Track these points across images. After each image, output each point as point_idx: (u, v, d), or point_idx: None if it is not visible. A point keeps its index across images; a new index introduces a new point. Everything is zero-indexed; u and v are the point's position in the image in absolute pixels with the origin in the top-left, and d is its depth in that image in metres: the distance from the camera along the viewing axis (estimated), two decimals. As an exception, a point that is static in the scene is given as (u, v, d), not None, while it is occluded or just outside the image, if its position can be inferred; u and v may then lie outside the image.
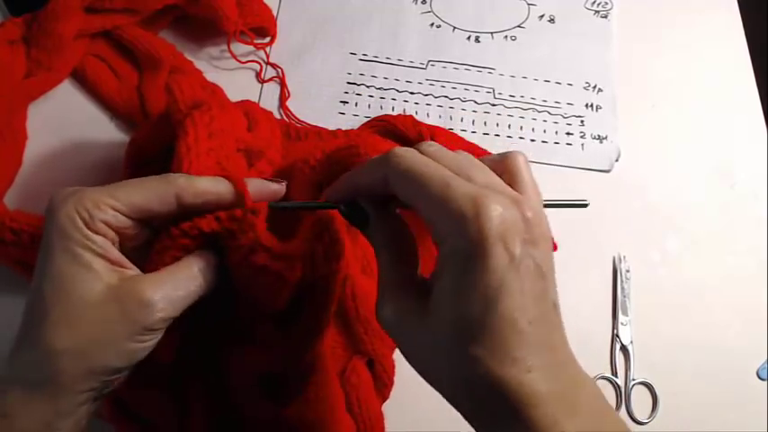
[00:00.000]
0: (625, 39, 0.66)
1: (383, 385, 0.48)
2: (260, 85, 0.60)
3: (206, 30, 0.60)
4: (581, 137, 0.61)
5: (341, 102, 0.61)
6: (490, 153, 0.56)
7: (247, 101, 0.52)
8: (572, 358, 0.30)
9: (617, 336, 0.54)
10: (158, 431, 0.43)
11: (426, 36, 0.65)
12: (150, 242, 0.35)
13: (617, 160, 0.60)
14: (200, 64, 0.59)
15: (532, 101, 0.62)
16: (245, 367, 0.42)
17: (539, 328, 0.28)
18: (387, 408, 0.48)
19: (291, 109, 0.59)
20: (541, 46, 0.65)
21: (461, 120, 0.61)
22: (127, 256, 0.34)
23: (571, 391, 0.29)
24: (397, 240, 0.34)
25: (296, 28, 0.63)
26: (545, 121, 0.61)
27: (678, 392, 0.52)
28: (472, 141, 0.57)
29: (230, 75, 0.60)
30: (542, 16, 0.67)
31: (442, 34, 0.65)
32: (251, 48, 0.61)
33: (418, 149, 0.33)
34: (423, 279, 0.33)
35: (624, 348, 0.53)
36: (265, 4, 0.62)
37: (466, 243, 0.28)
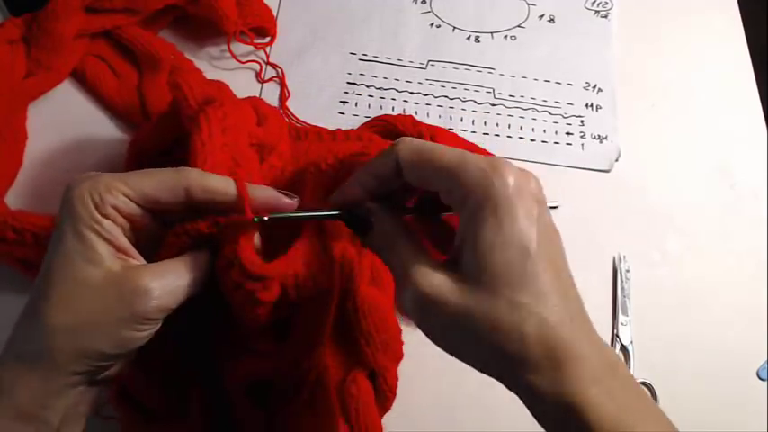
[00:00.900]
0: (625, 39, 0.66)
1: (384, 398, 0.47)
2: (260, 85, 0.60)
3: (206, 30, 0.60)
4: (581, 137, 0.61)
5: (341, 102, 0.61)
6: (492, 154, 0.56)
7: (254, 97, 0.51)
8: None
9: (617, 336, 0.54)
10: (160, 421, 0.43)
11: (426, 36, 0.65)
12: (161, 238, 0.35)
13: (617, 160, 0.60)
14: (200, 64, 0.59)
15: (532, 101, 0.62)
16: (236, 373, 0.42)
17: (568, 279, 0.31)
18: (386, 420, 0.47)
19: (291, 109, 0.59)
20: (541, 46, 0.65)
21: (461, 120, 0.61)
22: (139, 251, 0.34)
23: (605, 347, 0.30)
24: (408, 230, 0.34)
25: (296, 28, 0.63)
26: (545, 121, 0.61)
27: (678, 392, 0.52)
28: (472, 141, 0.57)
29: (230, 75, 0.60)
30: (542, 16, 0.67)
31: (442, 34, 0.65)
32: (251, 48, 0.61)
33: None
34: (438, 259, 0.33)
35: (624, 348, 0.53)
36: (265, 4, 0.62)
37: (491, 198, 0.29)
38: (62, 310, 0.31)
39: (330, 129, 0.58)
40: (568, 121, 0.62)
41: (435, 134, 0.54)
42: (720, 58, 0.66)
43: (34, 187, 0.54)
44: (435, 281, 0.30)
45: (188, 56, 0.59)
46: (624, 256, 0.56)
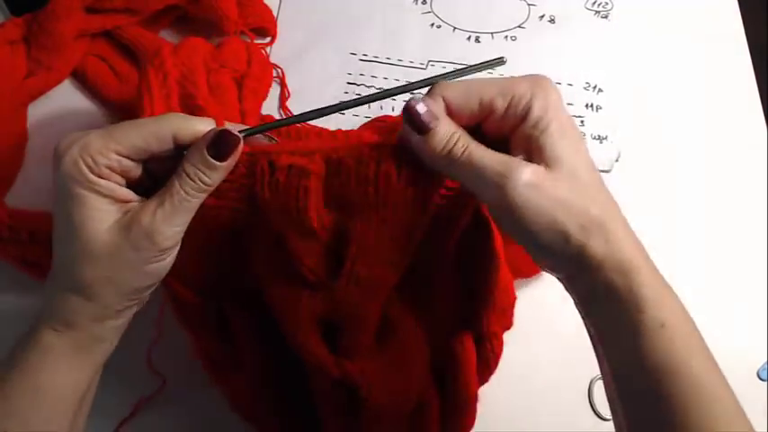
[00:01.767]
0: (625, 39, 0.66)
1: (486, 367, 0.45)
2: (260, 85, 0.60)
3: (206, 30, 0.60)
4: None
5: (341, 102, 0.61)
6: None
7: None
8: None
9: (617, 336, 0.53)
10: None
11: (426, 36, 0.65)
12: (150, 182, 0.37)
13: (617, 160, 0.60)
14: (200, 64, 0.59)
15: (532, 101, 0.62)
16: (303, 311, 0.41)
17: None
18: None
19: (291, 109, 0.59)
20: (542, 46, 0.65)
21: (461, 120, 0.61)
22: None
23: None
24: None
25: (296, 28, 0.63)
26: (545, 121, 0.61)
27: (678, 392, 0.52)
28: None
29: (230, 75, 0.60)
30: (542, 16, 0.67)
31: (442, 34, 0.65)
32: (251, 48, 0.61)
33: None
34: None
35: (624, 348, 0.53)
36: (265, 4, 0.62)
37: (547, 108, 0.35)
38: (88, 266, 0.34)
39: (330, 129, 0.58)
40: (568, 121, 0.62)
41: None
42: (720, 58, 0.66)
43: (34, 187, 0.54)
44: (540, 170, 0.34)
45: (188, 56, 0.59)
46: (624, 256, 0.56)
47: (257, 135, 0.37)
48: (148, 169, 0.36)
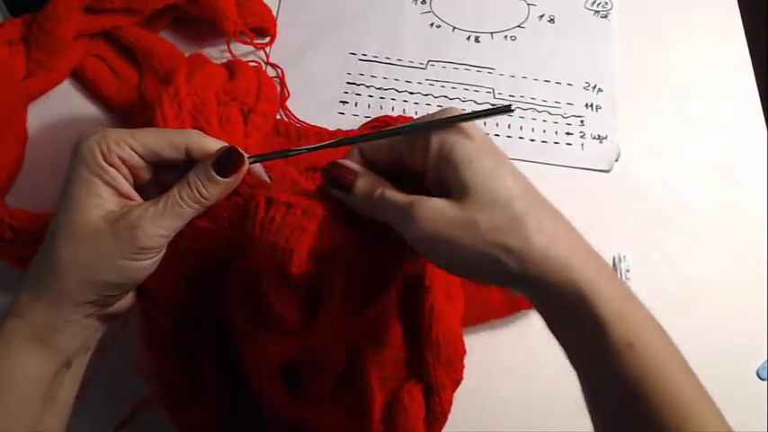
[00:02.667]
0: (625, 39, 0.66)
1: (435, 419, 0.44)
2: (260, 85, 0.60)
3: (206, 30, 0.60)
4: (581, 137, 0.61)
5: (341, 102, 0.61)
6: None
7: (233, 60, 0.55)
8: None
9: (617, 336, 0.53)
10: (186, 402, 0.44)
11: (426, 36, 0.65)
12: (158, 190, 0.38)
13: (617, 160, 0.60)
14: (200, 64, 0.59)
15: (532, 101, 0.62)
16: (266, 355, 0.41)
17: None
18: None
19: (291, 109, 0.59)
20: (541, 46, 0.65)
21: (461, 120, 0.61)
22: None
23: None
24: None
25: (296, 28, 0.63)
26: (545, 121, 0.61)
27: (678, 392, 0.52)
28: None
29: (230, 75, 0.60)
30: (542, 16, 0.67)
31: (442, 34, 0.65)
32: (251, 48, 0.61)
33: None
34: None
35: (624, 348, 0.53)
36: (265, 4, 0.62)
37: (471, 141, 0.34)
38: (70, 246, 0.35)
39: (330, 129, 0.58)
40: (568, 121, 0.62)
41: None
42: (720, 58, 0.66)
43: (34, 187, 0.54)
44: (437, 203, 0.34)
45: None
46: (624, 256, 0.56)
47: (261, 171, 0.40)
48: (161, 182, 0.38)
